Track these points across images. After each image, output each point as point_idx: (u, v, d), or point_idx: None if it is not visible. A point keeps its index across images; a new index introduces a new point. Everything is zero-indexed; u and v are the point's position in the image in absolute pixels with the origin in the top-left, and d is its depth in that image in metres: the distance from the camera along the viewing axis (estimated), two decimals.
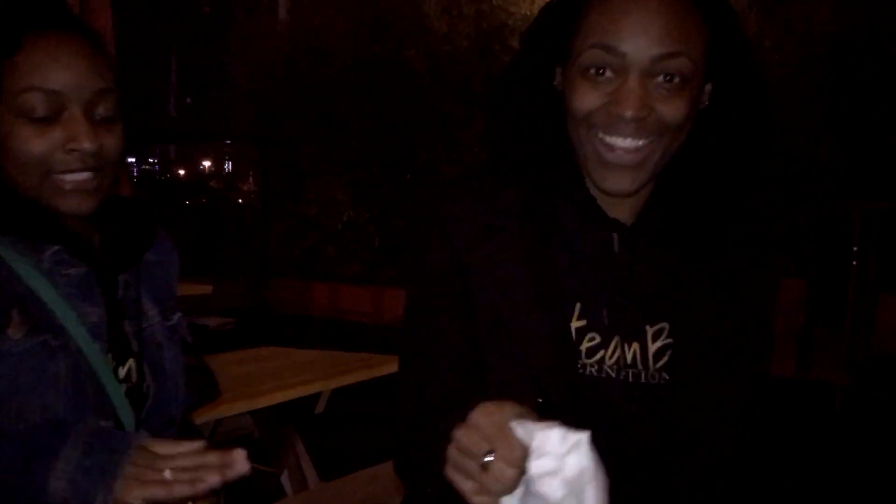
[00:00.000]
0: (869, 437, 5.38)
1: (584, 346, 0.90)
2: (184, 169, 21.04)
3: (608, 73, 0.84)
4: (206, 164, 21.66)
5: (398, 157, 8.55)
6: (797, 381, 6.17)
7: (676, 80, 0.84)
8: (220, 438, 3.00)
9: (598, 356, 0.91)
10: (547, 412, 0.74)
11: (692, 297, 0.92)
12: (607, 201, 0.93)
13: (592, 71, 0.85)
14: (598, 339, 0.91)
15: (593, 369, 0.90)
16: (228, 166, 19.60)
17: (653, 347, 0.92)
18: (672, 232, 0.94)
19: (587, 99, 0.86)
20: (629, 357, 0.91)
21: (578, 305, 0.91)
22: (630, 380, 0.91)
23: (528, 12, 7.96)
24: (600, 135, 0.86)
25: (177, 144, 18.56)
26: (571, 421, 0.69)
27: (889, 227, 6.57)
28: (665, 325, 0.92)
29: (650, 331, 0.92)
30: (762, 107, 0.90)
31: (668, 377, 0.91)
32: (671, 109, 0.84)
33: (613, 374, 0.90)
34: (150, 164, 21.54)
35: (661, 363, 0.92)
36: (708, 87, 0.90)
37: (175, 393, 1.12)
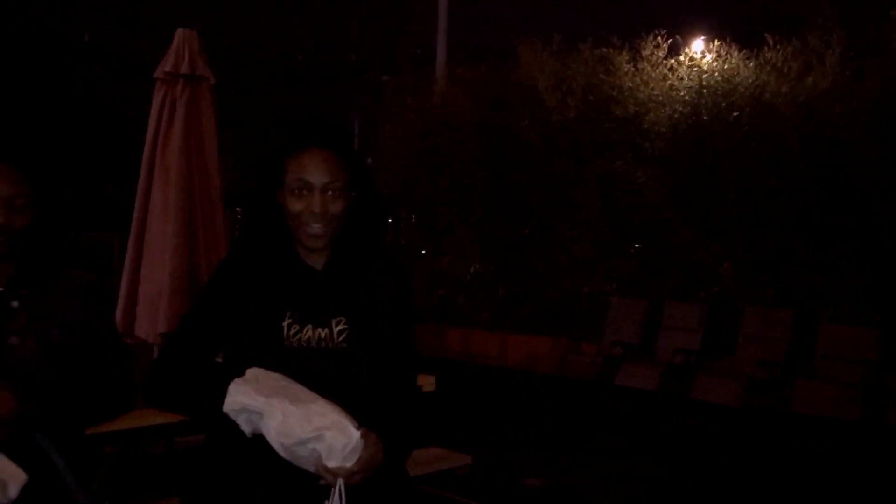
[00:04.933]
0: None
1: (290, 332, 1.69)
2: None
3: (304, 192, 1.68)
4: None
5: (517, 215, 9.60)
6: (865, 423, 6.31)
7: (337, 192, 1.69)
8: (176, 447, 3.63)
9: (296, 336, 1.68)
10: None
11: (357, 301, 1.74)
12: (308, 257, 1.76)
13: (297, 191, 1.68)
14: (297, 328, 1.69)
15: (293, 343, 1.68)
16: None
17: (336, 330, 1.70)
18: (345, 268, 1.76)
19: (296, 205, 1.68)
20: (324, 336, 1.69)
21: (288, 311, 1.70)
22: (322, 346, 1.69)
23: (631, 84, 8.67)
24: (304, 221, 1.68)
25: None
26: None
27: None
28: (342, 317, 1.72)
29: (333, 321, 1.71)
30: (376, 201, 1.80)
31: (345, 345, 1.70)
32: (336, 207, 1.69)
33: (306, 345, 1.68)
34: None
35: (341, 338, 1.70)
36: (352, 193, 1.73)
37: (27, 395, 1.61)
